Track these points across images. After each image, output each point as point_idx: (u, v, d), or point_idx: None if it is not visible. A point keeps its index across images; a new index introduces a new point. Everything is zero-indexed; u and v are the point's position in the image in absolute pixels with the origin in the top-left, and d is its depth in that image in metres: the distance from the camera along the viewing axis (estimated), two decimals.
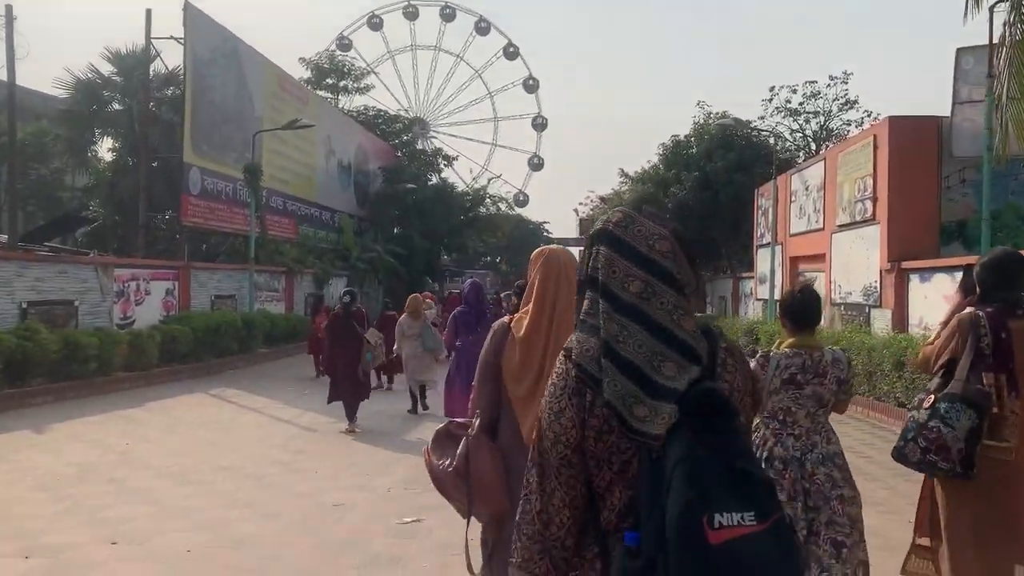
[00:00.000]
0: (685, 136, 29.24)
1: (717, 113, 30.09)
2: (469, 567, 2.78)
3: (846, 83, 32.60)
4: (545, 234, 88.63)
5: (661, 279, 1.63)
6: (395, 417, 11.79)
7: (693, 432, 1.50)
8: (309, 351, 17.23)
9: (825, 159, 17.16)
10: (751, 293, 24.67)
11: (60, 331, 13.42)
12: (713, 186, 27.06)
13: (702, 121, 29.81)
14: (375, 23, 68.78)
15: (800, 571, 1.60)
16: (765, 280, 22.33)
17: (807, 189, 18.45)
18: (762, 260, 22.80)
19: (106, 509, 6.52)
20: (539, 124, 74.81)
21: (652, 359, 1.57)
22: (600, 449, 1.63)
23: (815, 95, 32.58)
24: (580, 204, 46.03)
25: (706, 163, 27.18)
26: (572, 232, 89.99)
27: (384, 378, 14.51)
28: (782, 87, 32.15)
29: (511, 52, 72.16)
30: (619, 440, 1.60)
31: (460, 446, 2.79)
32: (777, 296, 20.40)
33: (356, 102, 43.24)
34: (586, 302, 1.70)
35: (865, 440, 10.28)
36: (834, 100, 32.96)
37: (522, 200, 75.64)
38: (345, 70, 41.70)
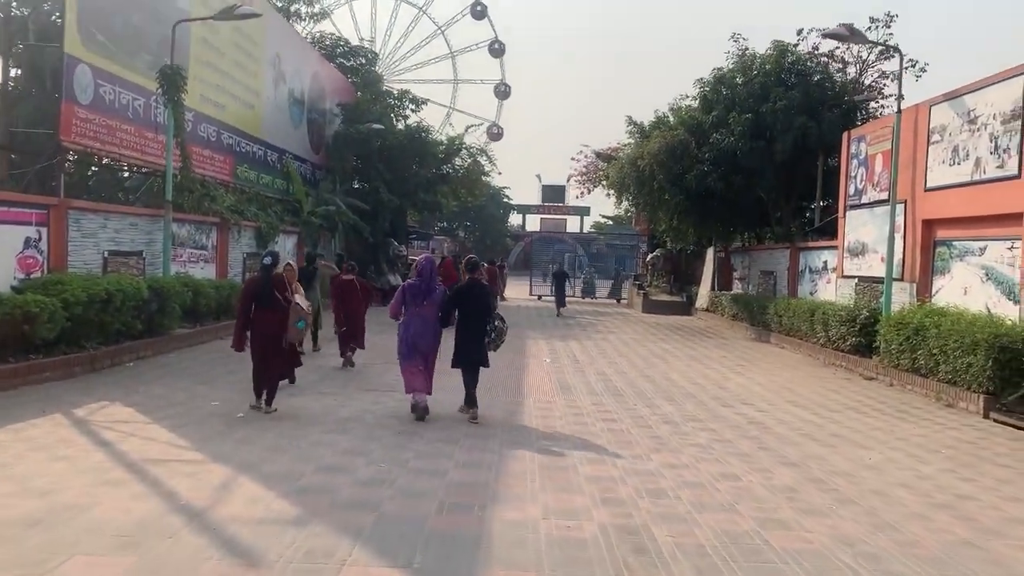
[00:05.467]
0: (728, 70, 23.43)
1: (753, 51, 24.36)
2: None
3: (889, 26, 27.11)
4: (505, 199, 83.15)
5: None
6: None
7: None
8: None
9: None
10: (826, 268, 19.27)
11: None
12: (767, 132, 21.46)
13: (743, 53, 24.01)
14: None
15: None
16: (862, 252, 16.93)
17: (973, 123, 12.94)
18: (855, 226, 17.36)
19: None
20: (502, 91, 69.74)
21: None
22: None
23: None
24: (572, 159, 40.26)
25: (760, 103, 21.53)
26: (535, 198, 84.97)
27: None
28: (811, 30, 26.51)
29: (478, 11, 66.39)
30: None
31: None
32: (899, 273, 14.99)
33: (310, 33, 36.55)
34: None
35: None
36: (871, 47, 27.50)
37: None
38: None
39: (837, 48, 26.85)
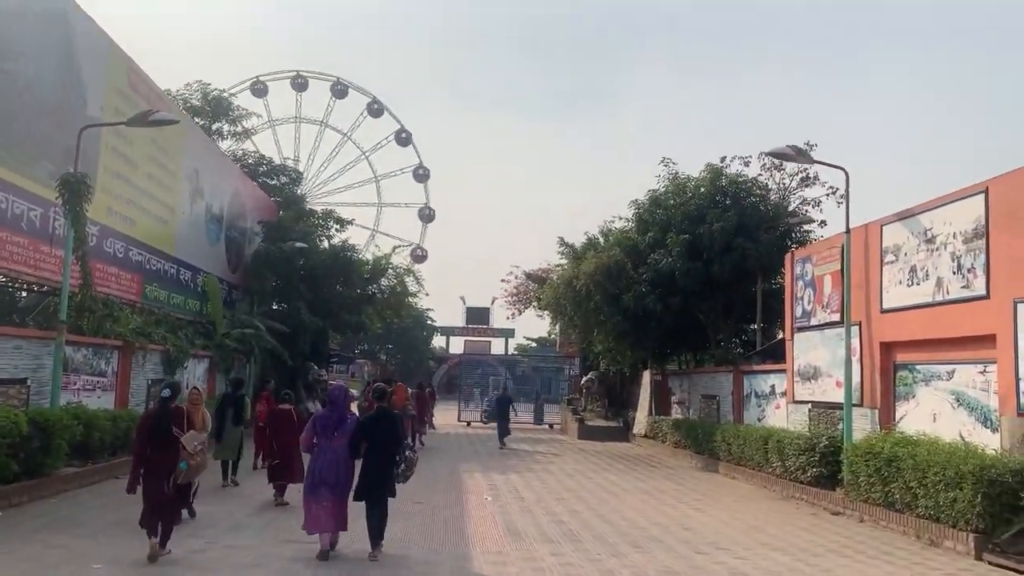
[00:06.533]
0: (662, 192, 23.32)
1: (686, 174, 24.39)
2: None
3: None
4: (429, 321, 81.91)
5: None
6: None
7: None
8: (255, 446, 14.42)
9: (987, 190, 11.32)
10: (774, 392, 18.53)
11: None
12: (704, 254, 21.14)
13: (674, 177, 23.99)
14: (259, 89, 62.18)
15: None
16: (814, 376, 16.25)
17: (931, 242, 12.56)
18: (805, 348, 16.75)
19: None
20: (426, 215, 69.77)
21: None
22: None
23: (777, 167, 27.34)
24: (503, 280, 39.58)
25: (696, 225, 21.29)
26: (459, 320, 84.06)
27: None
28: (733, 158, 26.75)
29: (403, 138, 67.24)
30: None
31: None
32: (857, 398, 14.26)
33: (232, 151, 35.60)
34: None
35: None
36: (793, 175, 28.07)
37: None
38: (222, 109, 34.03)
39: (760, 175, 27.19)
